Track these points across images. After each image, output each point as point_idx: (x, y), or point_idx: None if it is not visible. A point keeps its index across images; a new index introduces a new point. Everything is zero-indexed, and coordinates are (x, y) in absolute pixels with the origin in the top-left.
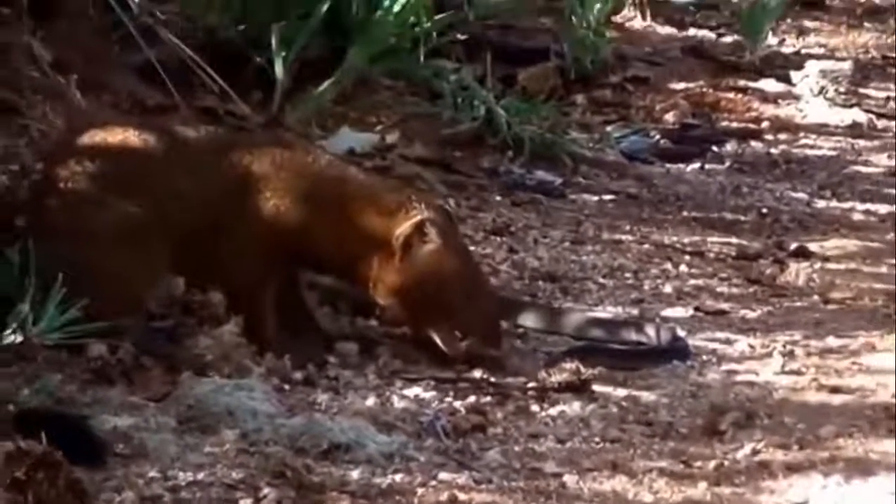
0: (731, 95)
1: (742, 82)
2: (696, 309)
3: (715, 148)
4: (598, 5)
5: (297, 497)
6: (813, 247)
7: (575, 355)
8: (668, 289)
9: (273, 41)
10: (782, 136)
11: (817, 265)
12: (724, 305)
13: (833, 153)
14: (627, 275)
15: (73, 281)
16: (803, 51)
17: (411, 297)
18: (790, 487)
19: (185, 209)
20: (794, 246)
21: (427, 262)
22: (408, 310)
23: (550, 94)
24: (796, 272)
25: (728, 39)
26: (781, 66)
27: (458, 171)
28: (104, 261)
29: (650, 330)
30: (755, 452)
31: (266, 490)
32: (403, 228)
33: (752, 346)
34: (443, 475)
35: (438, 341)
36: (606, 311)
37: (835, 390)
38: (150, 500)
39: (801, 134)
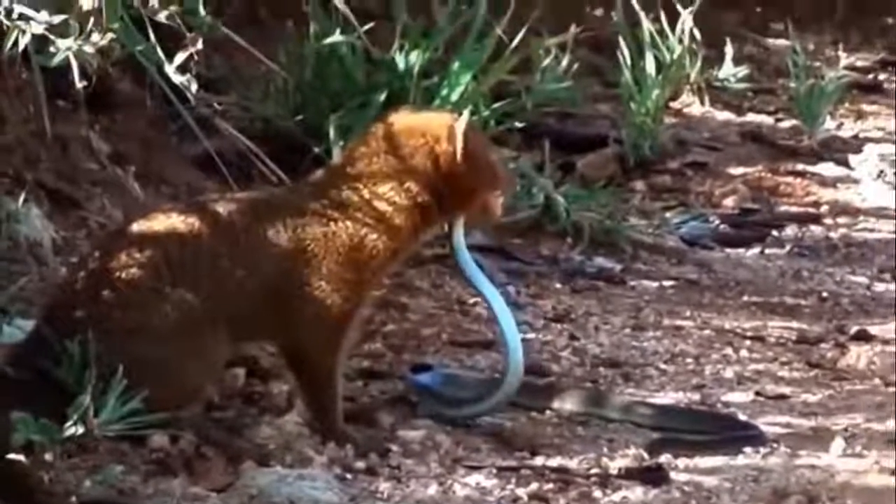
0: (789, 180)
1: (801, 166)
2: (757, 393)
3: (774, 232)
4: (656, 91)
5: None
6: (873, 330)
7: (648, 445)
8: (728, 374)
9: (331, 131)
10: (842, 220)
11: (878, 348)
12: (786, 389)
13: (893, 236)
14: (688, 360)
15: (132, 373)
16: (861, 134)
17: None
18: None
19: (243, 288)
20: (854, 329)
21: (474, 142)
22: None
23: (609, 181)
24: (857, 356)
25: (786, 124)
26: (840, 150)
27: (518, 258)
28: (162, 352)
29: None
30: None
31: None
32: (444, 135)
33: (813, 430)
34: None
35: (493, 208)
36: (668, 397)
37: None
38: None
39: (861, 217)
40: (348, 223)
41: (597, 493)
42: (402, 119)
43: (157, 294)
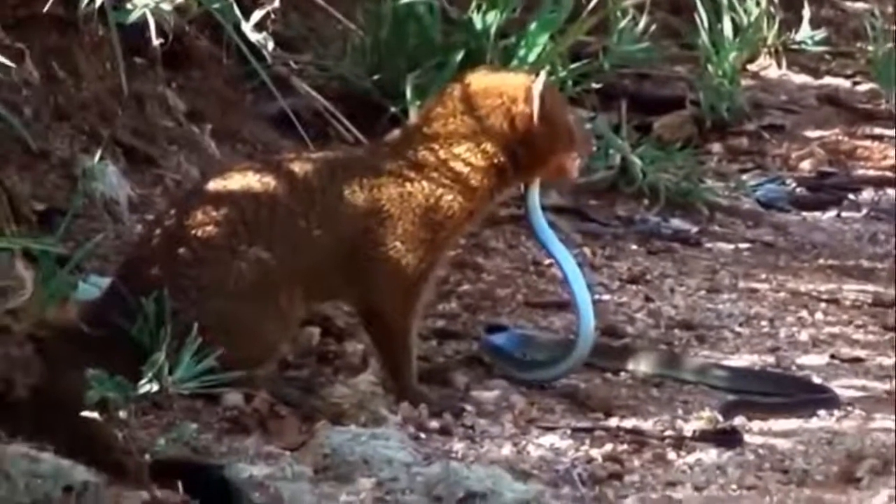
0: (867, 143)
1: (878, 130)
2: (832, 356)
3: (851, 196)
4: (733, 53)
5: None
6: None
7: (722, 408)
8: (804, 337)
9: (408, 91)
10: None
11: None
12: (861, 353)
13: None
14: (763, 323)
15: (207, 331)
16: None
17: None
18: None
19: (319, 248)
20: None
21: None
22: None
23: (686, 143)
24: None
25: (863, 87)
26: None
27: (594, 219)
28: (237, 311)
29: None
30: (892, 499)
31: None
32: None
33: (888, 393)
34: None
35: (570, 169)
36: (743, 360)
37: None
38: None
39: None
40: (424, 183)
41: (671, 455)
42: (478, 79)
43: (233, 252)
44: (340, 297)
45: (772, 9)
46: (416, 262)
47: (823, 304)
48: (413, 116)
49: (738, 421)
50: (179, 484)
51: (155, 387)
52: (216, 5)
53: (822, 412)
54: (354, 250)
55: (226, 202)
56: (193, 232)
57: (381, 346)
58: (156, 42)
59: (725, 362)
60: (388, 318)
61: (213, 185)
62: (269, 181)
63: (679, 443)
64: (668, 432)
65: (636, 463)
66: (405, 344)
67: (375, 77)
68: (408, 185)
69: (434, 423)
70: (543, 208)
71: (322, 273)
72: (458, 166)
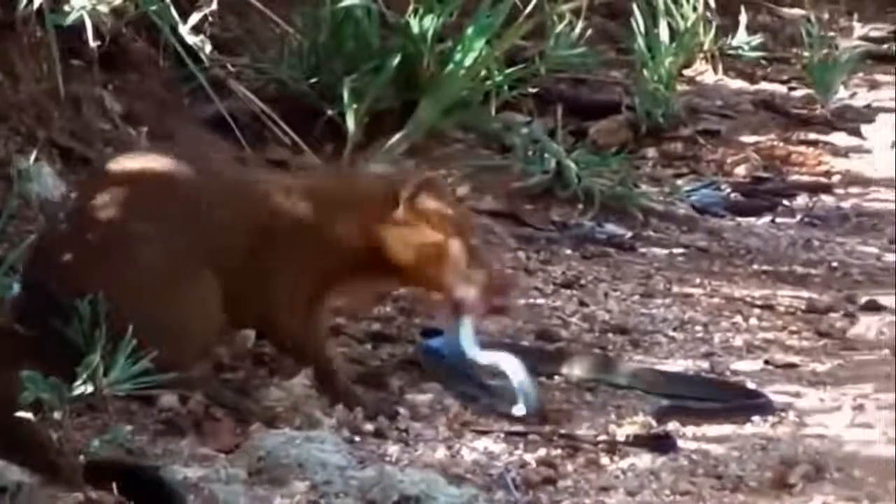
0: (802, 149)
1: (813, 136)
2: (766, 362)
3: (786, 202)
4: (669, 59)
5: None
6: (883, 300)
7: (655, 413)
8: (738, 342)
9: (345, 94)
10: (853, 190)
11: (887, 318)
12: (795, 359)
13: None
14: (697, 328)
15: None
16: (875, 104)
17: (427, 253)
18: None
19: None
20: (864, 299)
21: (433, 216)
22: (427, 269)
23: (621, 148)
24: (866, 326)
25: (799, 93)
26: (853, 120)
27: (529, 224)
28: (156, 307)
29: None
30: None
31: None
32: (406, 190)
33: (822, 400)
34: None
35: (457, 294)
36: (677, 365)
37: None
38: None
39: (872, 187)
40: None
41: (604, 460)
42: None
43: (140, 238)
44: (245, 297)
45: (708, 14)
46: (305, 286)
47: (758, 310)
48: (350, 120)
49: (672, 426)
50: (114, 485)
51: (89, 388)
52: (153, 7)
53: (756, 418)
54: (254, 249)
55: (130, 185)
56: (98, 216)
57: (288, 354)
58: (93, 44)
59: (659, 367)
60: (280, 330)
61: (117, 167)
62: (176, 165)
63: (613, 448)
64: (602, 437)
65: (570, 468)
66: (309, 355)
67: (312, 80)
68: (314, 213)
69: (368, 427)
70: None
71: (233, 259)
72: (339, 233)
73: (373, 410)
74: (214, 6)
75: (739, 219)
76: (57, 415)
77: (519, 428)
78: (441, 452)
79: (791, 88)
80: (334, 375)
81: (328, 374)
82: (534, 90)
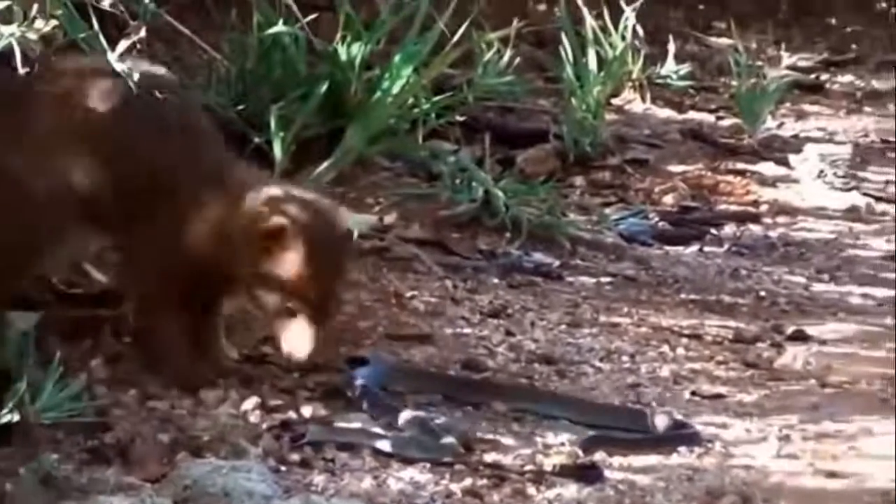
0: (729, 178)
1: (741, 165)
2: (693, 393)
3: (713, 231)
4: (597, 88)
5: None
6: (811, 330)
7: (582, 443)
8: (665, 372)
9: (272, 121)
10: (781, 220)
11: (815, 349)
12: (721, 389)
13: (831, 236)
14: (624, 358)
15: None
16: (802, 134)
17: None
18: None
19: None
20: (791, 329)
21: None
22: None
23: (549, 176)
24: (794, 356)
25: (727, 122)
26: (780, 150)
27: (456, 252)
28: None
29: (652, 417)
30: None
31: None
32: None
33: (748, 430)
34: None
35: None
36: (603, 395)
37: (832, 475)
38: None
39: (800, 217)
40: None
41: (531, 490)
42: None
43: None
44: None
45: (636, 43)
46: (158, 282)
47: (685, 340)
48: (277, 148)
49: (599, 456)
50: None
51: (16, 417)
52: (82, 35)
53: (682, 448)
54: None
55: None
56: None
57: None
58: (21, 71)
59: (586, 397)
60: (136, 305)
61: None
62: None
63: (539, 478)
64: (529, 467)
65: (496, 498)
66: (157, 337)
67: (240, 107)
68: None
69: (294, 456)
70: (406, 240)
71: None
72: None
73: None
74: (143, 33)
75: (667, 248)
76: None
77: (445, 458)
78: (367, 482)
79: (719, 118)
80: (172, 360)
81: (164, 356)
82: (461, 118)
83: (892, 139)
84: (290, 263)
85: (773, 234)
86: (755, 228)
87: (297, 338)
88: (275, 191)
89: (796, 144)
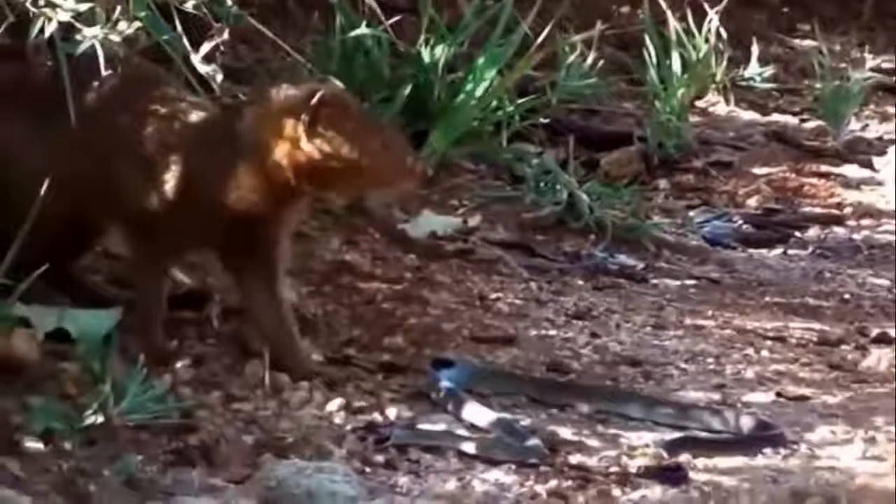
0: (813, 181)
1: (825, 168)
2: (778, 394)
3: (797, 233)
4: (681, 90)
5: None
6: (894, 333)
7: (667, 444)
8: (749, 374)
9: None
10: (865, 222)
11: None
12: (806, 391)
13: None
14: (709, 360)
15: None
16: (886, 136)
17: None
18: None
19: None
20: (875, 332)
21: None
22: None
23: (633, 179)
24: (878, 358)
25: (811, 125)
26: (864, 152)
27: (540, 254)
28: None
29: (733, 417)
30: None
31: None
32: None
33: (833, 432)
34: None
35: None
36: (688, 396)
37: None
38: None
39: (884, 220)
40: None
41: (616, 492)
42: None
43: None
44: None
45: (720, 45)
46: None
47: (769, 342)
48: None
49: (683, 458)
50: None
51: (100, 418)
52: (165, 37)
53: (767, 450)
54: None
55: None
56: None
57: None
58: (105, 73)
59: (671, 399)
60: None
61: None
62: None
63: (624, 479)
64: (613, 468)
65: (580, 499)
66: (145, 288)
67: None
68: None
69: (379, 458)
70: (490, 242)
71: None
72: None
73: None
74: (226, 36)
75: (751, 250)
76: (67, 444)
77: (532, 460)
78: (452, 484)
79: (803, 120)
80: (152, 323)
81: (146, 318)
82: (545, 121)
83: None
84: (348, 128)
85: (857, 236)
86: (839, 231)
87: (394, 172)
88: (273, 90)
89: (880, 146)
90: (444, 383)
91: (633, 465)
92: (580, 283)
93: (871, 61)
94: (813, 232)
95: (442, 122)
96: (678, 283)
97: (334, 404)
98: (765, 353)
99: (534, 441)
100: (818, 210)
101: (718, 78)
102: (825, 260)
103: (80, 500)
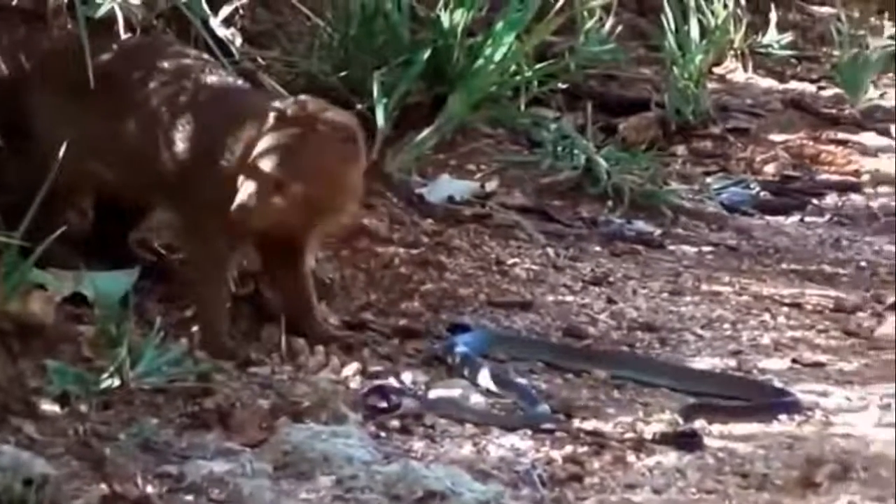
0: (831, 148)
1: (842, 135)
2: (794, 361)
3: (814, 200)
4: (699, 56)
5: None
6: None
7: (682, 410)
8: (765, 340)
9: (374, 88)
10: (882, 190)
11: None
12: (822, 357)
13: None
14: (726, 326)
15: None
16: None
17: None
18: None
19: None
20: (892, 299)
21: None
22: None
23: (651, 145)
24: (894, 325)
25: (829, 92)
26: (882, 120)
27: (558, 220)
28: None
29: (753, 385)
30: None
31: None
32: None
33: (848, 399)
34: None
35: None
36: (704, 363)
37: None
38: None
39: None
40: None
41: (631, 458)
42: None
43: None
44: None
45: (739, 12)
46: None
47: (786, 309)
48: (380, 115)
49: (699, 424)
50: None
51: (116, 382)
52: (184, 0)
53: (782, 416)
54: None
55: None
56: None
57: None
58: (123, 37)
59: (687, 365)
60: (190, 260)
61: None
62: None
63: (639, 445)
64: (629, 434)
65: (596, 465)
66: (205, 292)
67: (342, 74)
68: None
69: (394, 423)
70: (508, 207)
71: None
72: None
73: (234, 357)
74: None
75: (768, 217)
76: (83, 407)
77: (546, 425)
78: (467, 449)
79: (820, 87)
80: (216, 324)
81: (209, 319)
82: (563, 86)
83: None
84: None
85: (874, 203)
86: (856, 198)
87: None
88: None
89: None
90: (460, 348)
91: (649, 431)
92: (597, 248)
93: (889, 29)
94: (830, 199)
95: (460, 86)
96: (695, 249)
97: (350, 369)
98: (781, 319)
99: (543, 407)
100: (835, 177)
101: (736, 44)
102: (842, 227)
103: (95, 463)
